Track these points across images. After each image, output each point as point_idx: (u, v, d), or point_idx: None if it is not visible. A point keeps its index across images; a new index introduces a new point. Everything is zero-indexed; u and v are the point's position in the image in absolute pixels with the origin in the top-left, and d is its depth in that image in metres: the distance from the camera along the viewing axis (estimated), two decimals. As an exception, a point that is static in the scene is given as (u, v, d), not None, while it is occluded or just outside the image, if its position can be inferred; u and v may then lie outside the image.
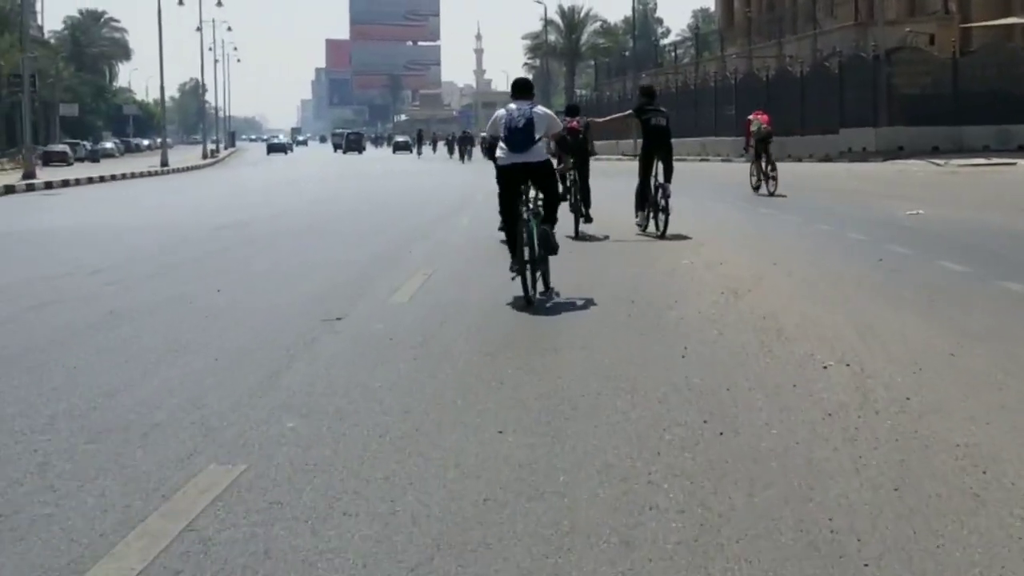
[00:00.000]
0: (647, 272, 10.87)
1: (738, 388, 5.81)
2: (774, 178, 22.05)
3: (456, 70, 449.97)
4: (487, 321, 8.11)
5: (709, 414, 5.28)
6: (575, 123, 14.25)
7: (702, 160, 48.11)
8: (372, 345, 7.20)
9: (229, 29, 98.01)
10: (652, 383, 5.95)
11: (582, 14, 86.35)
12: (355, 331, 7.75)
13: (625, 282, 10.10)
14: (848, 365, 6.31)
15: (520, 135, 8.90)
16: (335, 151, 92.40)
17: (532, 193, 9.10)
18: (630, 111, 14.80)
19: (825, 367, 6.27)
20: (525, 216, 8.85)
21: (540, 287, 8.88)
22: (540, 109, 9.22)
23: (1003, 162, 31.75)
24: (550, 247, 9.02)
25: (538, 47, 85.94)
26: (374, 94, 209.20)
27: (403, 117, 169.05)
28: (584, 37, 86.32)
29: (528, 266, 8.65)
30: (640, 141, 14.41)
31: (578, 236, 13.66)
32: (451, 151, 70.20)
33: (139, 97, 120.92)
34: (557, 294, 9.03)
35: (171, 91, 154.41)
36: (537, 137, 8.98)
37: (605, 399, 5.62)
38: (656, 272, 10.83)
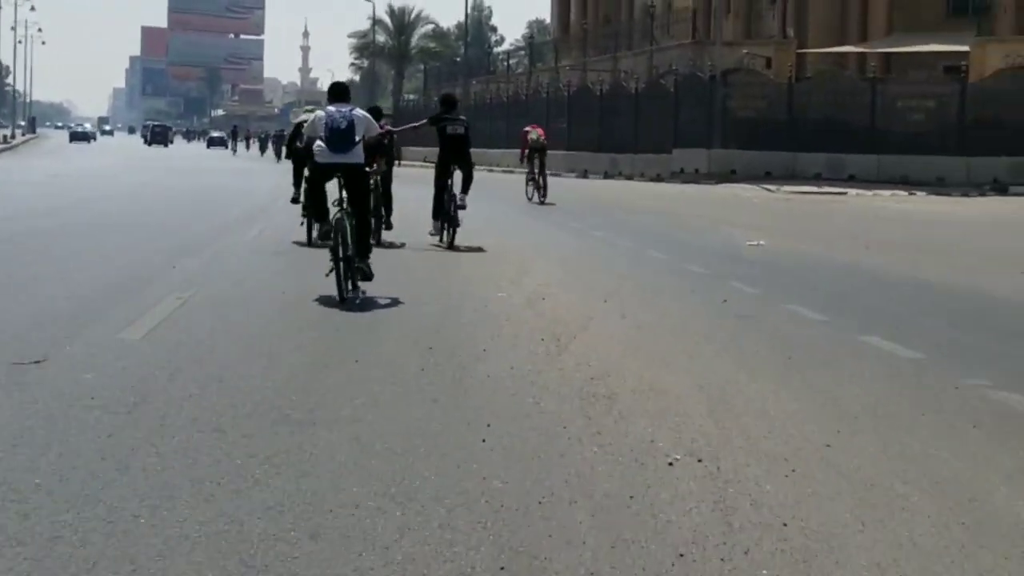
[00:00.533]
0: (456, 306, 9.22)
1: (554, 501, 4.20)
2: (544, 187, 24.55)
3: (281, 67, 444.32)
4: (234, 372, 6.31)
5: (510, 553, 3.63)
6: (385, 127, 13.86)
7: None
8: (64, 408, 5.35)
9: (32, 9, 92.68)
10: (436, 489, 4.29)
11: (412, 15, 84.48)
12: (52, 383, 5.87)
13: (427, 319, 8.42)
14: (700, 460, 4.83)
15: (341, 136, 9.22)
16: (144, 143, 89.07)
17: (344, 194, 9.36)
18: (425, 120, 15.04)
19: (671, 463, 4.78)
20: (339, 215, 9.23)
21: (350, 285, 9.05)
22: (359, 112, 9.64)
23: (835, 191, 31.46)
24: (365, 277, 9.21)
25: (365, 47, 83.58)
26: (191, 86, 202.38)
27: (220, 112, 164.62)
28: (414, 40, 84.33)
29: (342, 264, 8.95)
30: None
31: (378, 243, 12.95)
32: (263, 149, 67.59)
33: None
34: (363, 292, 9.09)
35: None
36: (357, 139, 9.32)
37: (361, 520, 3.92)
38: (466, 308, 9.17)
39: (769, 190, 32.49)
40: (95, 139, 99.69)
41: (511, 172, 49.23)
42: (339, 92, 9.83)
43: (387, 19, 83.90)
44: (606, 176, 41.68)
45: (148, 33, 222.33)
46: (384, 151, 13.62)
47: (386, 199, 14.22)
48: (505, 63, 67.57)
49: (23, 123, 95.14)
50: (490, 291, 10.10)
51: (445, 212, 13.88)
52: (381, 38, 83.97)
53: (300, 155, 13.74)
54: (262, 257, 12.47)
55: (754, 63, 38.86)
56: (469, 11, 62.99)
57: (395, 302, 9.21)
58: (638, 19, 54.81)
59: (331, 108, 9.46)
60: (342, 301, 8.80)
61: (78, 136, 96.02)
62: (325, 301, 8.96)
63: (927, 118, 34.10)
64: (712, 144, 36.94)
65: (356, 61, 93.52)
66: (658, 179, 38.49)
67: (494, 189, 26.94)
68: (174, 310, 8.40)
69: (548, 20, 73.35)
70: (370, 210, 10.30)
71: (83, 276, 10.43)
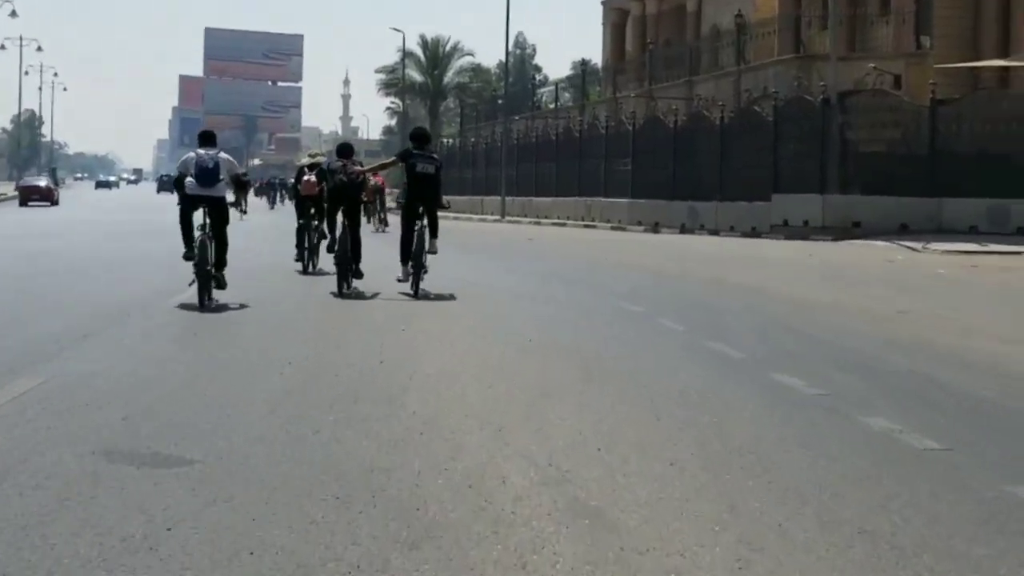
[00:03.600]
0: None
1: None
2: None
3: (322, 115, 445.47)
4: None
5: None
6: (356, 165, 14.78)
7: (586, 226, 40.12)
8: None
9: (39, 49, 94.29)
10: None
11: (447, 46, 77.92)
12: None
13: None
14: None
15: (208, 174, 12.27)
16: (157, 192, 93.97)
17: (208, 220, 12.30)
18: (394, 156, 15.22)
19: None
20: (202, 238, 12.08)
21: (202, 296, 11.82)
22: (224, 155, 12.70)
23: (1007, 249, 24.25)
24: (219, 285, 12.20)
25: (394, 83, 77.02)
26: (228, 136, 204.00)
27: (257, 161, 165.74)
28: (449, 75, 77.80)
29: (201, 279, 11.84)
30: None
31: (343, 293, 13.54)
32: (272, 202, 62.53)
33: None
34: (217, 300, 11.91)
35: (3, 122, 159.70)
36: (221, 177, 12.41)
37: None
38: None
39: (913, 249, 25.32)
40: (117, 187, 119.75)
41: (563, 224, 42.73)
42: (207, 137, 13.02)
43: (419, 51, 77.53)
44: (683, 231, 34.83)
45: (185, 82, 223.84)
46: (349, 193, 14.31)
47: (354, 245, 14.05)
48: (553, 96, 60.86)
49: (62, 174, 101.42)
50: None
51: (415, 256, 13.68)
52: (415, 75, 77.63)
53: (300, 198, 17.78)
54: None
55: (881, 81, 31.77)
56: (511, 49, 56.19)
57: None
58: (708, 37, 48.09)
59: (200, 151, 12.53)
60: (201, 306, 11.63)
61: (102, 184, 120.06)
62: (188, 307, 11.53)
63: None
64: (827, 188, 30.03)
65: (392, 105, 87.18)
66: (753, 234, 31.55)
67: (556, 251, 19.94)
68: None
69: (599, 57, 66.09)
70: (225, 233, 12.57)
71: None
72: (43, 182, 65.30)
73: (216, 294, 12.00)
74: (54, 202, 59.94)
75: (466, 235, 33.76)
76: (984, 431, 6.23)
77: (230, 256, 12.75)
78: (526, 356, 8.60)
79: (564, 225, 41.98)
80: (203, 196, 12.24)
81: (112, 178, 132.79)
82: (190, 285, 11.89)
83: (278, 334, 10.34)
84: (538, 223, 44.10)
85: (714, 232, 33.44)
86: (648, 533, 4.30)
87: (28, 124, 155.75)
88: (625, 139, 39.93)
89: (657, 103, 41.72)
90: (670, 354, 8.90)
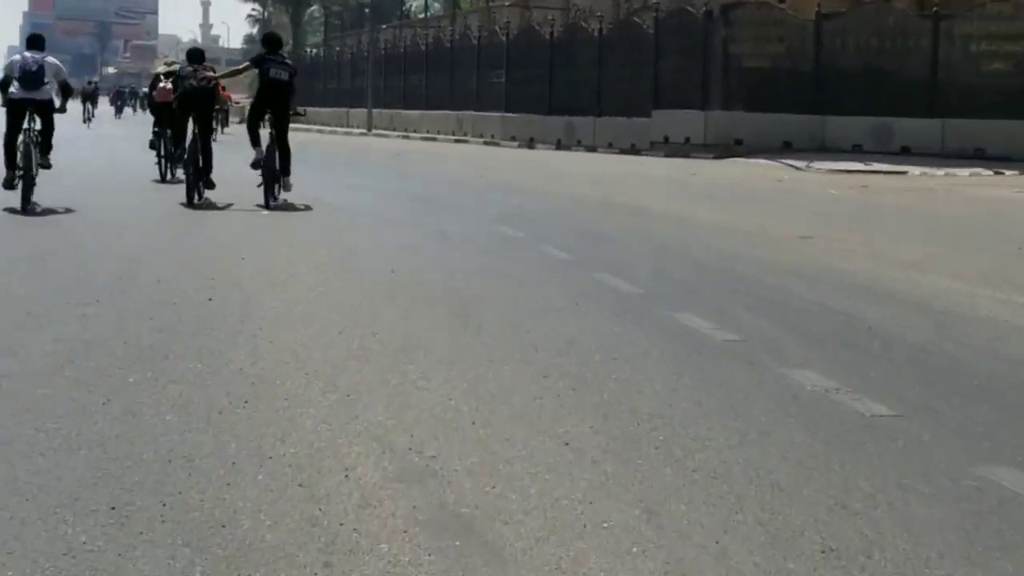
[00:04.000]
0: None
1: None
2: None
3: (180, 23, 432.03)
4: None
5: None
6: (207, 71, 14.30)
7: (458, 141, 38.71)
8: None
9: None
10: None
11: (309, -54, 74.96)
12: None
13: None
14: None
15: (32, 77, 12.34)
16: None
17: (37, 126, 12.51)
18: (248, 62, 14.91)
19: None
20: (25, 140, 12.31)
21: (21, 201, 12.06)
22: (51, 59, 12.73)
23: (889, 169, 23.73)
24: (45, 163, 12.54)
25: (251, -15, 73.97)
26: (81, 42, 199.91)
27: (112, 70, 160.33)
28: (311, -22, 74.89)
29: (21, 180, 12.14)
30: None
31: (193, 203, 13.22)
32: (119, 111, 60.06)
33: None
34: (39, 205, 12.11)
35: None
36: (46, 81, 12.47)
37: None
38: None
39: (797, 168, 24.62)
40: None
41: (433, 139, 41.20)
42: (34, 41, 13.07)
43: (280, -48, 74.43)
44: (559, 147, 33.73)
45: None
46: (206, 98, 13.94)
47: (205, 155, 13.73)
48: (423, 5, 58.89)
49: None
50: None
51: (268, 169, 13.39)
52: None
53: (156, 105, 17.72)
54: None
55: (765, -7, 30.81)
56: None
57: None
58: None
59: (26, 54, 12.65)
60: (24, 211, 11.88)
61: None
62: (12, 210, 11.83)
63: (1014, 68, 26.25)
64: (709, 104, 29.20)
65: (253, 12, 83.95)
66: (633, 151, 30.58)
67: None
68: None
69: None
70: (50, 133, 12.76)
71: None
72: None
73: (40, 198, 12.34)
74: None
75: (329, 149, 32.23)
76: (931, 388, 5.21)
77: (81, 163, 14.05)
78: (387, 296, 7.33)
79: (434, 140, 40.51)
80: (28, 99, 12.41)
81: None
82: (6, 188, 12.24)
83: (96, 252, 9.05)
84: (407, 137, 42.54)
85: (591, 149, 32.38)
86: (540, 562, 3.14)
87: None
88: (499, 51, 38.49)
89: (532, 13, 40.25)
90: (557, 291, 7.71)
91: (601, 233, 11.84)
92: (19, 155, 12.34)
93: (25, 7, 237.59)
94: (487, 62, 39.36)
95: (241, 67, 15.58)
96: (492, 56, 38.97)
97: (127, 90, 68.22)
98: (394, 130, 45.10)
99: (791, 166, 25.05)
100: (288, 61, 14.34)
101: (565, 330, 6.29)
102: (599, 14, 34.58)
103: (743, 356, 5.73)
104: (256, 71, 13.99)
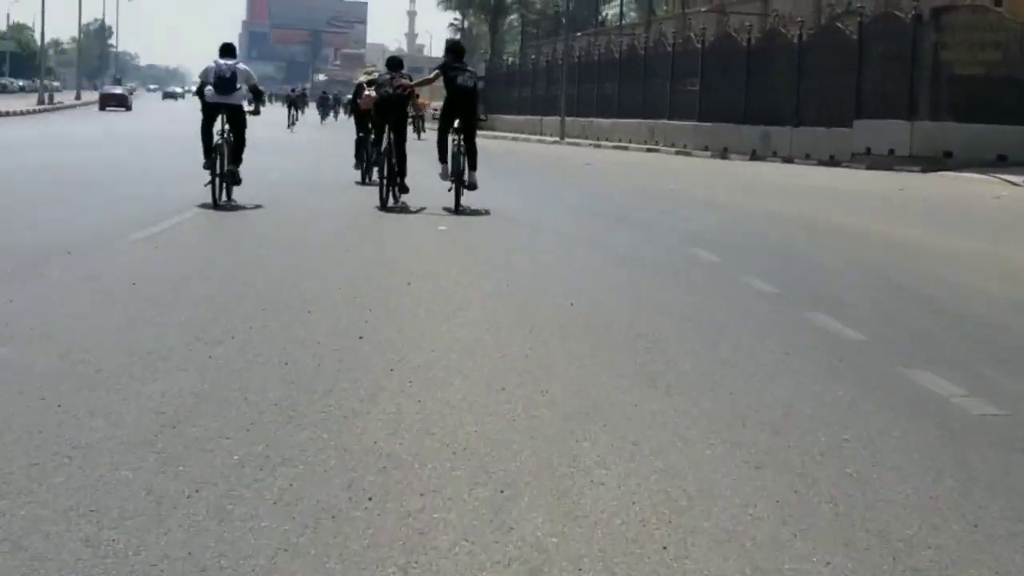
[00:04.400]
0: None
1: None
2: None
3: (387, 32, 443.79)
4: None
5: None
6: (403, 79, 14.41)
7: (649, 151, 37.47)
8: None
9: None
10: None
11: (511, -42, 74.21)
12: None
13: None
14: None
15: (226, 83, 13.37)
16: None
17: (226, 127, 13.47)
18: (436, 70, 14.87)
19: None
20: (219, 142, 13.26)
21: (225, 196, 13.34)
22: (242, 66, 13.76)
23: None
24: (236, 161, 13.50)
25: (451, -6, 73.45)
26: (295, 50, 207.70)
27: (322, 77, 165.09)
28: (511, -14, 74.07)
29: (218, 178, 13.12)
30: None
31: (386, 207, 13.60)
32: (324, 116, 60.76)
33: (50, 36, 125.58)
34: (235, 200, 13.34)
35: (73, 31, 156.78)
36: (238, 86, 13.53)
37: None
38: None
39: (1014, 184, 22.60)
40: (183, 98, 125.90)
41: (624, 148, 39.99)
42: (227, 49, 14.03)
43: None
44: (754, 157, 32.15)
45: None
46: (400, 105, 14.07)
47: (399, 160, 13.96)
48: (618, 13, 57.63)
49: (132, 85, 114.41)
50: None
51: (455, 168, 13.85)
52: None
53: (359, 112, 18.63)
54: None
55: (980, -4, 28.64)
56: None
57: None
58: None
59: (220, 61, 13.63)
60: (215, 205, 12.87)
61: (168, 95, 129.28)
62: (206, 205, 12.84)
63: None
64: (916, 114, 27.24)
65: (455, 21, 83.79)
66: (832, 162, 28.83)
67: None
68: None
69: None
70: (243, 136, 13.74)
71: None
72: (118, 90, 77.36)
73: (240, 194, 13.55)
74: (128, 108, 69.24)
75: (519, 157, 31.36)
76: None
77: (282, 165, 13.57)
78: (562, 338, 6.18)
79: (626, 148, 39.33)
80: (221, 103, 13.43)
81: (178, 90, 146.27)
82: (205, 185, 13.08)
83: (255, 268, 8.53)
84: (598, 145, 41.46)
85: (788, 160, 30.73)
86: None
87: (98, 35, 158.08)
88: (693, 58, 37.07)
89: (729, 19, 38.63)
90: (764, 337, 6.41)
91: (808, 259, 10.50)
92: (216, 159, 13.20)
93: (244, 16, 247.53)
94: (681, 70, 37.97)
95: (431, 76, 15.69)
96: (686, 63, 37.58)
97: (331, 96, 68.98)
98: (586, 138, 44.08)
99: (1009, 182, 23.01)
100: (471, 69, 14.77)
101: (778, 393, 5.04)
102: (799, 19, 32.82)
103: (1012, 441, 4.40)
104: (443, 78, 14.18)
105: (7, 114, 47.81)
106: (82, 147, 26.57)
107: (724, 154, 33.37)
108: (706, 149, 34.67)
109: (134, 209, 12.85)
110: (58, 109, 63.64)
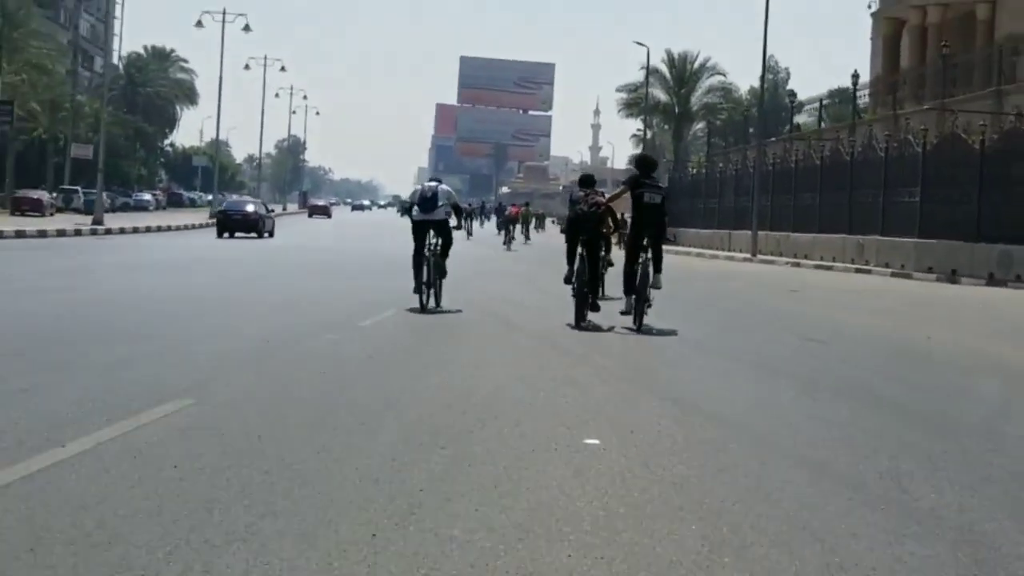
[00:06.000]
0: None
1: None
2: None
3: (570, 143, 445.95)
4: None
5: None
6: (597, 196, 14.03)
7: (858, 270, 31.54)
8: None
9: (283, 69, 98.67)
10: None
11: (695, 64, 68.77)
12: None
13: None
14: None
15: (428, 202, 14.73)
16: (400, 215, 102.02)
17: (435, 240, 14.89)
18: (624, 184, 14.59)
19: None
20: (427, 255, 14.58)
21: (433, 302, 14.62)
22: (444, 186, 15.25)
23: None
24: (441, 271, 14.90)
25: (636, 102, 68.36)
26: (480, 163, 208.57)
27: (505, 189, 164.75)
28: (697, 95, 68.70)
29: (425, 287, 14.46)
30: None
31: (579, 326, 13.15)
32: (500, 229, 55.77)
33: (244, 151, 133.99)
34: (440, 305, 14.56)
35: (268, 147, 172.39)
36: (440, 204, 14.81)
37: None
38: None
39: None
40: (370, 209, 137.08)
41: (828, 268, 34.05)
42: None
43: (664, 69, 68.93)
44: (991, 281, 25.96)
45: (441, 111, 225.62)
46: (588, 223, 13.68)
47: (592, 278, 13.62)
48: (815, 119, 51.81)
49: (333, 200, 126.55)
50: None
51: (639, 290, 13.35)
52: (659, 94, 69.27)
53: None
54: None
55: None
56: (763, 73, 46.41)
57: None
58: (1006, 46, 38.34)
59: (426, 183, 15.39)
60: (423, 310, 14.22)
61: (357, 207, 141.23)
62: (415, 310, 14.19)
63: None
64: None
65: (638, 132, 78.93)
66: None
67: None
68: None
69: (865, 74, 54.88)
70: (448, 247, 15.16)
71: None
72: (322, 202, 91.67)
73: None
74: (329, 216, 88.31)
75: (708, 280, 25.89)
76: None
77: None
78: None
79: (830, 268, 33.35)
80: (427, 220, 14.86)
81: (366, 202, 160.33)
82: (415, 292, 14.47)
83: (380, 407, 7.15)
84: (796, 264, 35.57)
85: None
86: None
87: (292, 150, 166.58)
88: (912, 163, 31.04)
89: (956, 117, 32.35)
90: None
91: None
92: (424, 270, 14.55)
93: (432, 131, 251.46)
94: (896, 177, 31.97)
95: (619, 191, 15.14)
96: (903, 170, 31.57)
97: (474, 207, 68.90)
98: (781, 255, 38.21)
99: None
100: (660, 184, 14.57)
101: None
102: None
103: None
104: (630, 194, 13.75)
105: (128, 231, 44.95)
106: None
107: (953, 277, 27.21)
108: (930, 270, 28.50)
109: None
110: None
